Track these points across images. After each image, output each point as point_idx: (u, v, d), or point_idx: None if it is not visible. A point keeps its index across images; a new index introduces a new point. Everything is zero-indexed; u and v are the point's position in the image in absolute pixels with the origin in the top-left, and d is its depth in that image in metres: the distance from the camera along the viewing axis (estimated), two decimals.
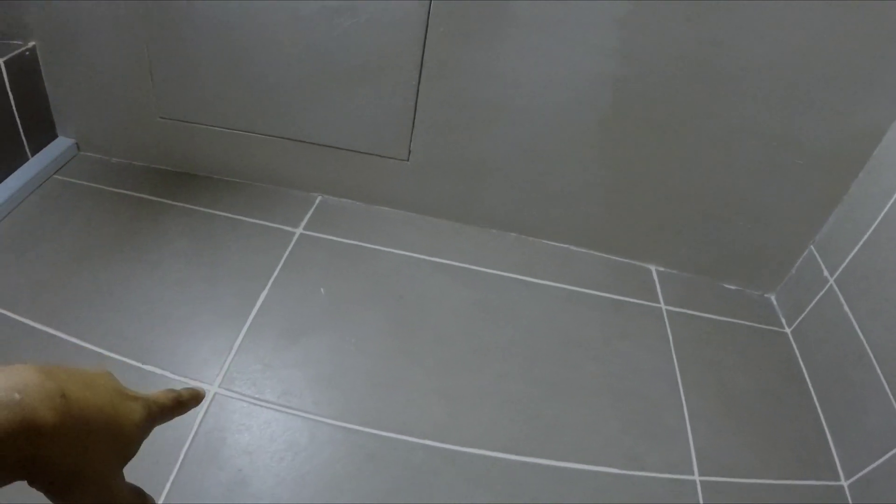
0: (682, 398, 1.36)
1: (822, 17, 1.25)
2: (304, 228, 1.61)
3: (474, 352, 1.39)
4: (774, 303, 1.66)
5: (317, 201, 1.71)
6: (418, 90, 1.46)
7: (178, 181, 1.71)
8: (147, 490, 1.05)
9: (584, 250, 1.70)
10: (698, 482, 1.21)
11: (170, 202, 1.63)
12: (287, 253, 1.54)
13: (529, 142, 1.51)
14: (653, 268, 1.69)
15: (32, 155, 1.65)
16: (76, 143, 1.75)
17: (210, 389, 1.22)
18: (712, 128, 1.43)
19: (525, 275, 1.59)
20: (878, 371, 1.26)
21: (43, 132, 1.69)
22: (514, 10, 1.32)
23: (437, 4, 1.33)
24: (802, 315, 1.55)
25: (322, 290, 1.45)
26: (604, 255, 1.70)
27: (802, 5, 1.24)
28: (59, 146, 1.72)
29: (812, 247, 1.56)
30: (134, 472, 1.03)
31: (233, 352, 1.30)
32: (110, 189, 1.65)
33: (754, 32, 1.29)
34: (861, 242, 1.42)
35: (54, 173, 1.68)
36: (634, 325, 1.52)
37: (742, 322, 1.58)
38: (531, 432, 1.25)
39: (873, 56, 1.29)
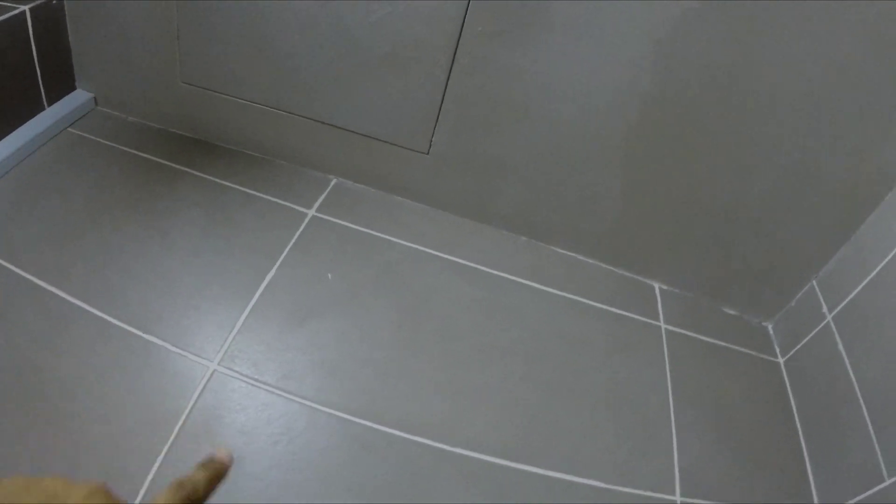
0: (672, 416, 1.38)
1: (857, 55, 1.26)
2: (317, 210, 1.61)
3: (477, 351, 1.40)
4: (771, 332, 1.68)
5: (332, 184, 1.71)
6: (447, 85, 1.45)
7: (195, 148, 1.70)
8: (137, 461, 1.06)
9: (591, 261, 1.71)
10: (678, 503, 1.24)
11: (185, 169, 1.62)
12: (298, 234, 1.54)
13: (551, 147, 1.52)
14: (656, 285, 1.71)
15: (49, 105, 1.64)
16: (94, 98, 1.74)
17: (210, 366, 1.23)
18: (733, 153, 1.44)
19: (532, 280, 1.61)
20: (864, 412, 1.28)
21: (62, 83, 1.68)
22: (551, 16, 1.32)
23: (475, 3, 1.32)
24: (797, 347, 1.57)
25: (329, 275, 1.46)
26: (610, 267, 1.72)
27: (840, 41, 1.25)
28: (76, 99, 1.71)
29: (814, 281, 1.58)
30: (126, 442, 1.06)
31: (235, 329, 1.31)
32: (125, 149, 1.64)
33: (787, 63, 1.30)
34: (863, 284, 1.43)
35: (69, 126, 1.67)
36: (634, 339, 1.54)
37: (737, 348, 1.60)
38: (526, 438, 1.27)
39: (869, 91, 1.31)
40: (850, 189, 1.45)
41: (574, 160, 1.53)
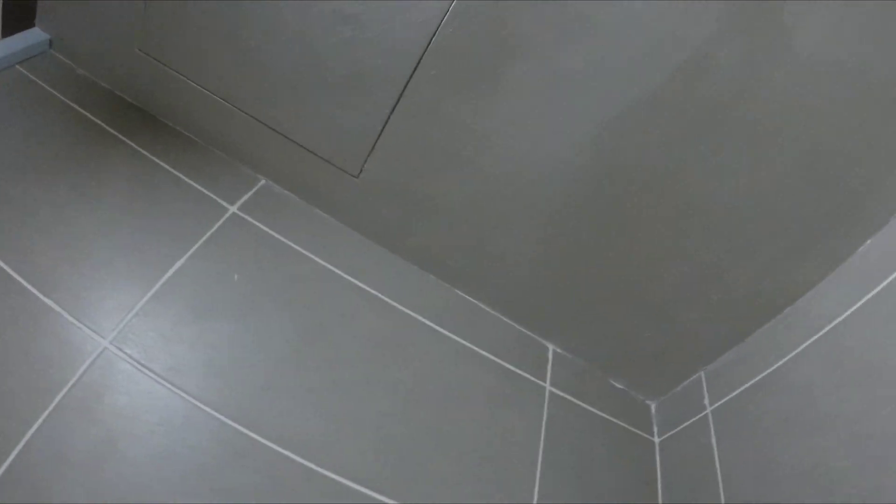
0: (537, 478, 1.43)
1: (782, 181, 1.36)
2: (239, 208, 1.61)
3: (363, 381, 1.43)
4: (653, 411, 1.75)
5: (259, 184, 1.71)
6: (390, 118, 1.48)
7: (138, 118, 1.69)
8: (11, 426, 1.06)
9: (493, 312, 1.75)
10: None
11: (122, 137, 1.61)
12: (215, 228, 1.54)
13: (479, 199, 1.56)
14: (551, 347, 1.76)
15: (2, 37, 1.61)
16: (50, 40, 1.71)
17: (101, 343, 1.23)
18: (651, 241, 1.50)
19: (432, 320, 1.63)
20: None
21: (21, 17, 1.65)
22: (504, 79, 1.36)
23: (436, 46, 1.35)
24: (674, 431, 1.64)
25: (236, 276, 1.47)
26: (511, 322, 1.76)
27: (771, 167, 1.34)
28: (32, 36, 1.68)
29: (703, 373, 1.65)
30: (2, 403, 1.06)
31: (134, 311, 1.31)
32: (68, 102, 1.62)
33: (716, 175, 1.37)
34: (746, 386, 1.51)
35: (19, 63, 1.64)
36: (517, 396, 1.58)
37: (617, 421, 1.66)
38: (392, 474, 1.31)
39: (816, 216, 1.40)
40: (751, 298, 1.52)
41: (498, 215, 1.57)
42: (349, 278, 1.60)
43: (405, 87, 1.42)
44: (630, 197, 1.46)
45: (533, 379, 1.64)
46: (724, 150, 1.36)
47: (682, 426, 1.63)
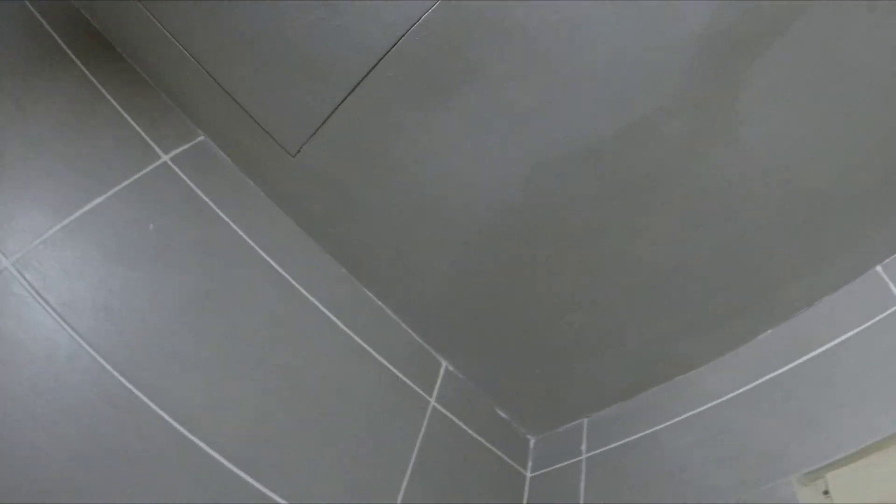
0: (403, 489, 1.44)
1: (703, 250, 1.45)
2: (171, 159, 1.58)
3: (254, 358, 1.42)
4: (531, 446, 1.79)
5: (197, 140, 1.67)
6: (339, 106, 1.48)
7: (96, 44, 1.64)
8: None
9: (396, 319, 1.76)
10: None
11: (75, 59, 1.56)
12: (142, 173, 1.50)
13: (407, 209, 1.57)
14: (445, 364, 1.78)
15: None
16: None
17: (2, 262, 1.21)
18: (560, 289, 1.56)
19: (334, 313, 1.62)
20: None
21: None
22: (460, 100, 1.38)
23: (400, 49, 1.36)
24: (546, 470, 1.68)
25: (152, 226, 1.45)
26: (410, 331, 1.77)
27: (698, 236, 1.43)
28: None
29: (586, 419, 1.70)
30: None
31: (42, 238, 1.27)
32: (31, 8, 1.56)
33: (644, 237, 1.44)
34: (625, 441, 1.57)
35: None
36: (400, 405, 1.59)
37: (494, 449, 1.69)
38: (263, 456, 1.30)
39: (725, 297, 1.49)
40: (647, 360, 1.59)
41: (421, 229, 1.59)
42: (262, 254, 1.58)
43: (361, 80, 1.43)
44: (549, 241, 1.50)
45: (419, 391, 1.65)
46: (650, 216, 1.42)
47: (555, 466, 1.67)
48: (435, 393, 1.68)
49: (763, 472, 1.28)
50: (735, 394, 1.51)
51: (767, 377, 1.48)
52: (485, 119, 1.39)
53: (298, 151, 1.58)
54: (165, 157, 1.56)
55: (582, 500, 1.52)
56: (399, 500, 1.42)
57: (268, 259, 1.59)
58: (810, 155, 1.35)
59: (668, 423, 1.56)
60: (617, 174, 1.40)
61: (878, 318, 1.39)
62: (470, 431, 1.67)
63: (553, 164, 1.40)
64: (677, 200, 1.41)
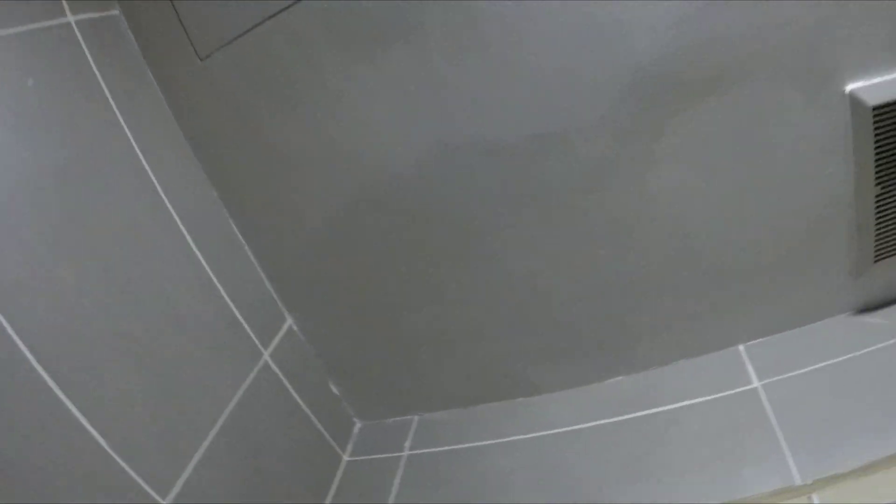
0: (210, 437, 1.31)
1: (575, 279, 1.42)
2: (77, 23, 1.38)
3: (89, 251, 1.24)
4: (355, 430, 1.73)
5: (111, 12, 1.47)
6: (263, 23, 1.35)
7: None
8: None
9: (254, 260, 1.61)
10: None
11: None
12: (40, 25, 1.29)
13: (298, 153, 1.45)
14: (290, 321, 1.65)
15: None
16: None
17: None
18: (428, 279, 1.52)
19: (191, 234, 1.45)
20: None
21: None
22: (390, 55, 1.28)
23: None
24: (364, 458, 1.63)
25: (31, 81, 1.26)
26: (265, 278, 1.62)
27: (575, 264, 1.40)
28: None
29: (417, 417, 1.66)
30: None
31: None
32: None
33: (527, 249, 1.41)
34: (450, 448, 1.55)
35: None
36: (232, 349, 1.45)
37: (316, 423, 1.59)
38: (69, 355, 1.11)
39: (587, 332, 1.49)
40: (493, 373, 1.60)
41: (309, 178, 1.47)
42: (136, 149, 1.41)
43: (293, 4, 1.31)
44: (431, 226, 1.44)
45: (255, 341, 1.52)
46: (540, 230, 1.38)
47: (375, 456, 1.61)
48: (271, 348, 1.55)
49: None
50: (571, 429, 1.51)
51: (606, 421, 1.49)
52: (407, 84, 1.30)
53: (208, 56, 1.44)
54: (71, 18, 1.37)
55: (392, 497, 1.47)
56: (201, 452, 1.29)
57: (140, 156, 1.42)
58: (708, 219, 1.37)
59: (497, 441, 1.54)
60: (519, 180, 1.35)
61: (726, 393, 1.43)
62: (296, 397, 1.56)
63: (459, 149, 1.33)
64: (571, 223, 1.38)
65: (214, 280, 1.44)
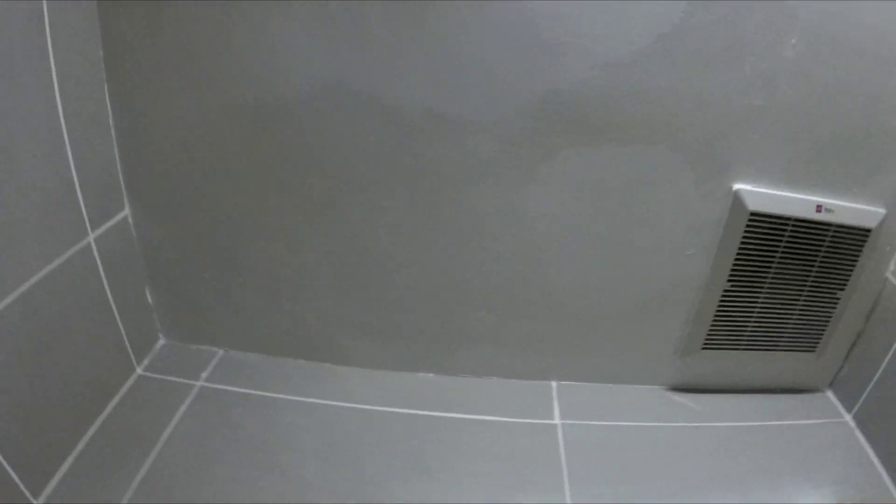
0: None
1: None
2: None
3: None
4: (157, 346, 1.64)
5: None
6: None
7: None
8: None
9: (113, 135, 1.43)
10: None
11: None
12: None
13: (199, 51, 1.32)
14: (129, 211, 1.50)
15: None
16: None
17: None
18: (287, 210, 1.46)
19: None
20: None
21: None
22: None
23: None
24: (156, 376, 1.57)
25: None
26: (118, 157, 1.44)
27: (436, 244, 1.43)
28: None
29: (223, 352, 1.66)
30: None
31: None
32: None
33: (393, 227, 1.41)
34: (247, 391, 1.54)
35: None
36: (56, 220, 1.27)
37: (119, 324, 1.48)
38: None
39: (394, 297, 1.51)
40: (310, 330, 1.60)
41: (202, 75, 1.35)
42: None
43: None
44: (298, 166, 1.41)
45: (85, 217, 1.35)
46: (403, 205, 1.42)
47: (168, 378, 1.56)
48: (99, 232, 1.39)
49: None
50: (369, 408, 1.54)
51: (404, 410, 1.53)
52: (324, 15, 1.23)
53: None
54: None
55: (172, 425, 1.42)
56: None
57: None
58: (566, 253, 1.46)
59: (292, 398, 1.54)
60: (401, 152, 1.36)
61: (527, 421, 1.53)
62: (108, 292, 1.43)
63: (355, 101, 1.30)
64: (436, 210, 1.41)
65: (66, 139, 1.28)
